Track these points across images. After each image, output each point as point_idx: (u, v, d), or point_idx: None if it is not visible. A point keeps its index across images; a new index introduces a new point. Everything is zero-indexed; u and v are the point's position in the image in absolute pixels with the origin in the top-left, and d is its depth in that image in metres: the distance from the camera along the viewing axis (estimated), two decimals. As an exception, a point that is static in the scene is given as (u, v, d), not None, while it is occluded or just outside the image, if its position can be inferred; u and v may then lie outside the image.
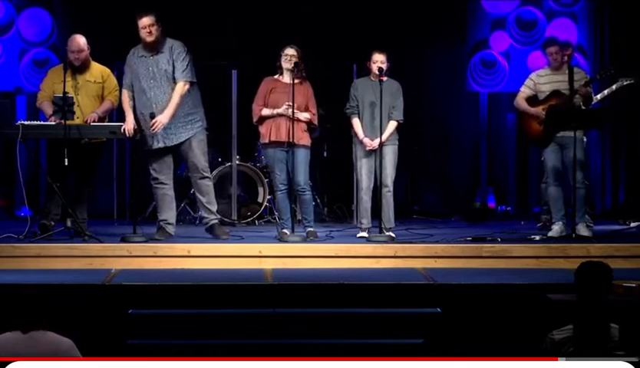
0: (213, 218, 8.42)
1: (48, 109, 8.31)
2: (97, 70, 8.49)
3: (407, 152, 9.76)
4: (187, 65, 8.22)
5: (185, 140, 8.29)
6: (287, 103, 8.30)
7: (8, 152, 9.83)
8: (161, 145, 8.26)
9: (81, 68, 8.40)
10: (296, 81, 8.40)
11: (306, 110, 8.45)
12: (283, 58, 8.42)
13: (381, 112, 8.37)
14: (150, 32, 8.18)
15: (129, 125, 8.15)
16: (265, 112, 8.42)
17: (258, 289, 6.74)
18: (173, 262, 7.54)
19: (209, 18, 10.72)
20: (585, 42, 11.20)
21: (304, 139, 8.45)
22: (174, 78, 8.21)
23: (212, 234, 8.38)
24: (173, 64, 8.21)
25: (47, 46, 10.87)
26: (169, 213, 8.38)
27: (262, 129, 8.48)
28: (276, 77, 8.51)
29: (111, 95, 8.48)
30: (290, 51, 8.42)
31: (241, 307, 6.57)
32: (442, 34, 11.17)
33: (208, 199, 8.42)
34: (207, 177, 8.47)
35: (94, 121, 8.27)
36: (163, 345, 6.25)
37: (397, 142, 8.59)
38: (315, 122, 8.53)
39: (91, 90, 8.43)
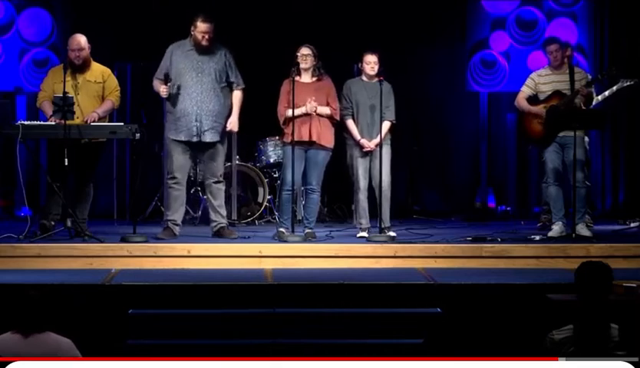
0: (222, 222, 8.50)
1: (48, 109, 8.30)
2: (98, 70, 8.49)
3: (407, 152, 9.79)
4: (238, 73, 8.51)
5: (216, 141, 8.43)
6: (309, 100, 8.33)
7: (8, 152, 9.82)
8: (195, 139, 8.37)
9: (82, 68, 8.40)
10: (315, 78, 8.48)
11: (327, 105, 8.48)
12: (299, 58, 8.42)
13: (381, 112, 8.38)
14: (208, 39, 8.38)
15: (163, 89, 8.33)
16: (290, 113, 8.43)
17: (258, 289, 6.74)
18: (173, 262, 7.55)
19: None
20: (585, 42, 11.19)
21: (328, 140, 8.48)
22: (225, 81, 8.44)
23: (221, 236, 8.43)
24: (226, 68, 8.45)
25: (47, 46, 10.87)
26: (178, 213, 8.47)
27: (287, 128, 8.48)
28: (295, 77, 8.49)
29: (112, 95, 8.49)
30: (304, 51, 8.44)
31: (241, 307, 6.57)
32: (442, 34, 11.17)
33: (220, 203, 8.55)
34: (222, 182, 8.62)
35: (93, 121, 8.27)
36: (163, 345, 6.25)
37: (389, 142, 8.62)
38: (336, 117, 8.53)
39: (91, 89, 8.43)
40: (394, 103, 8.63)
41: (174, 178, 8.44)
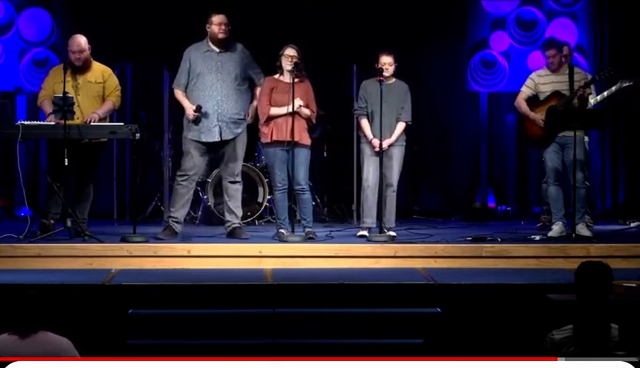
0: (236, 222, 8.50)
1: (48, 108, 8.30)
2: (98, 70, 8.48)
3: (407, 152, 9.77)
4: (257, 66, 8.58)
5: (236, 140, 8.46)
6: (297, 100, 8.32)
7: (8, 152, 9.82)
8: (217, 138, 8.39)
9: (82, 68, 8.39)
10: (296, 80, 8.43)
11: (307, 108, 8.47)
12: (283, 59, 8.42)
13: (381, 113, 8.38)
14: (226, 30, 8.42)
15: (190, 111, 8.35)
16: (274, 111, 8.43)
17: (258, 289, 6.74)
18: (173, 262, 7.55)
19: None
20: (585, 42, 11.19)
21: (305, 138, 8.47)
22: (246, 79, 8.49)
23: (234, 236, 8.43)
24: (246, 65, 8.50)
25: (47, 46, 10.86)
26: (181, 212, 8.46)
27: (265, 128, 8.48)
28: (277, 76, 8.51)
29: (112, 95, 8.47)
30: (290, 52, 8.43)
31: (241, 307, 6.57)
32: (442, 34, 11.17)
33: (235, 204, 8.54)
34: (239, 182, 8.60)
35: (93, 121, 8.26)
36: (163, 345, 6.25)
37: (404, 143, 8.63)
38: (314, 120, 8.54)
39: (92, 90, 8.41)
40: (411, 105, 8.63)
41: (186, 175, 8.42)
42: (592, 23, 11.21)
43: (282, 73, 8.48)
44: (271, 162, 8.60)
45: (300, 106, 8.33)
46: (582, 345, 4.58)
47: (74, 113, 8.13)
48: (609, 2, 11.17)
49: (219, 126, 8.38)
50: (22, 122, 8.26)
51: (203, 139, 8.41)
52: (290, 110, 8.32)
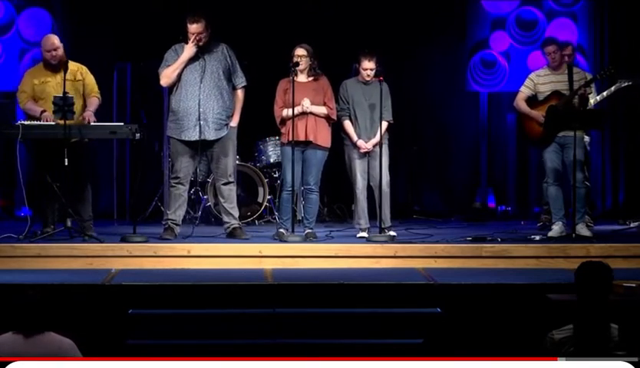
0: (234, 223, 8.49)
1: (34, 106, 8.25)
2: (74, 67, 8.34)
3: (407, 152, 9.80)
4: (240, 70, 8.51)
5: (221, 140, 8.41)
6: (303, 101, 8.34)
7: (8, 152, 9.80)
8: (197, 137, 8.34)
9: (58, 67, 8.32)
10: (312, 78, 8.49)
11: (324, 105, 8.48)
12: (294, 59, 8.42)
13: (381, 112, 8.38)
14: (200, 39, 8.37)
15: (190, 49, 8.31)
16: (286, 113, 8.44)
17: (258, 289, 6.74)
18: (173, 262, 7.55)
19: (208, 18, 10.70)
20: (585, 42, 11.20)
21: (322, 139, 8.48)
22: (227, 79, 8.45)
23: (234, 237, 8.43)
24: (229, 67, 8.46)
25: (47, 46, 10.84)
26: (178, 213, 8.44)
27: (283, 128, 8.51)
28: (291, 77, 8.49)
29: (94, 92, 8.40)
30: (300, 52, 8.45)
31: (241, 307, 6.57)
32: (442, 34, 11.17)
33: (231, 204, 8.53)
34: (232, 182, 8.58)
35: (92, 121, 8.20)
36: (163, 345, 6.25)
37: (387, 142, 8.62)
38: (334, 117, 8.55)
39: (72, 88, 8.32)
40: (391, 103, 8.64)
41: (177, 178, 8.42)
42: (592, 23, 11.21)
43: (295, 74, 8.47)
44: (284, 162, 8.61)
45: (305, 105, 8.34)
46: (582, 345, 4.58)
47: (74, 112, 8.10)
48: (609, 2, 11.18)
49: (200, 125, 8.33)
50: (22, 122, 8.23)
51: (184, 138, 8.37)
52: (299, 110, 8.36)
